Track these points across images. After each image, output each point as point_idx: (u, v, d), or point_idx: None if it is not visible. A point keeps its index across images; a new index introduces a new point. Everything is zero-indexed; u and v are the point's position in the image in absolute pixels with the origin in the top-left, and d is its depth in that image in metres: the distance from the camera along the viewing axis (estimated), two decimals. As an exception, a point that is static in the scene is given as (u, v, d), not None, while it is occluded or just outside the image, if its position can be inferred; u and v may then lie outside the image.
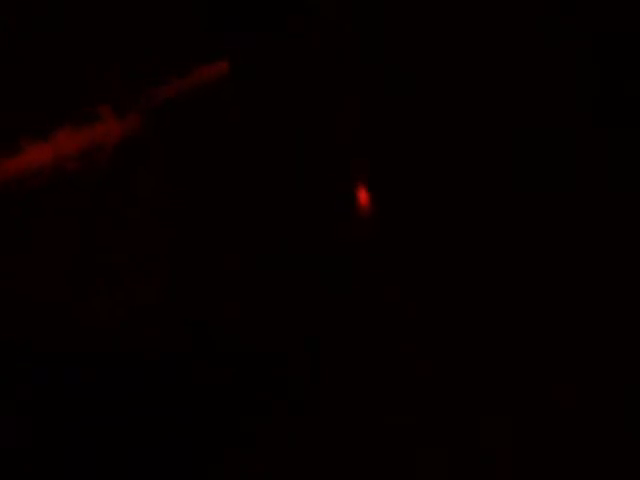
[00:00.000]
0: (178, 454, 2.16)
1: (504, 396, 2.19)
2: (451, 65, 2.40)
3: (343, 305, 2.27)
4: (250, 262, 2.30)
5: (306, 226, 2.32)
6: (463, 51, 2.41)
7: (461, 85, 2.40)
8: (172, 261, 2.29)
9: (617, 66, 2.41)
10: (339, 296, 2.28)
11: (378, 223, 2.34)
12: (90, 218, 2.30)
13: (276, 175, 2.35)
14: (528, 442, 2.16)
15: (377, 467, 2.16)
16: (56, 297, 2.25)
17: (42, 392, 2.18)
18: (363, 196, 2.35)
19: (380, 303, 2.27)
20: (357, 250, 2.31)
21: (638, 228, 2.31)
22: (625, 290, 2.27)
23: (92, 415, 2.17)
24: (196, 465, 2.16)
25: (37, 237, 2.28)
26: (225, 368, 2.22)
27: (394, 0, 2.42)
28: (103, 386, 2.18)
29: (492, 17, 2.42)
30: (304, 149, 2.36)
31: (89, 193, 2.30)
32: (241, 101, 2.39)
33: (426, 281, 2.29)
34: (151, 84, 2.31)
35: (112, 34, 2.36)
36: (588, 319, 2.24)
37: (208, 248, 2.31)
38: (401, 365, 2.22)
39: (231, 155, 2.36)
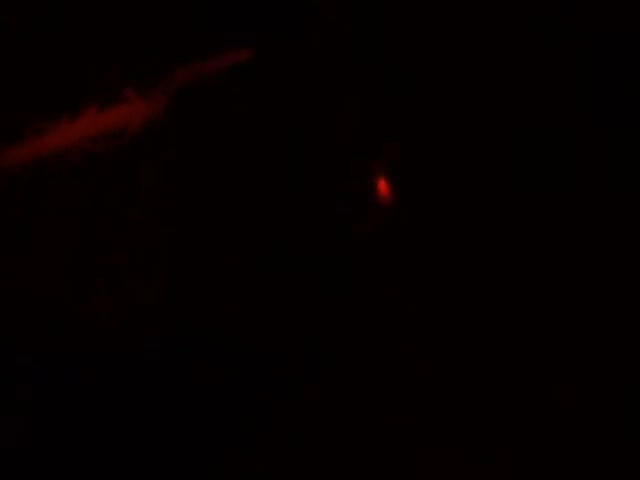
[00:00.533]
0: (178, 454, 2.16)
1: (504, 396, 2.19)
2: (451, 65, 2.40)
3: (343, 305, 2.27)
4: (250, 262, 2.30)
5: (306, 226, 2.32)
6: (463, 51, 2.41)
7: (461, 85, 2.40)
8: (172, 261, 2.29)
9: (617, 66, 2.40)
10: (339, 296, 2.28)
11: (378, 223, 2.34)
12: (90, 218, 2.30)
13: (276, 175, 2.35)
14: (528, 442, 2.16)
15: (377, 467, 2.16)
16: (56, 297, 2.24)
17: (42, 392, 2.18)
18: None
19: (380, 303, 2.27)
20: (357, 250, 2.31)
21: (638, 228, 2.31)
22: (625, 290, 2.27)
23: (92, 415, 2.17)
24: (196, 465, 2.16)
25: (37, 237, 2.28)
26: (225, 368, 2.22)
27: (394, 0, 2.42)
28: (103, 386, 2.18)
29: (492, 17, 2.42)
30: (304, 149, 2.36)
31: (89, 192, 2.30)
32: (241, 100, 2.39)
33: (426, 281, 2.29)
34: (171, 68, 2.30)
35: (112, 34, 2.36)
36: (588, 319, 2.24)
37: (208, 248, 2.31)
38: (401, 365, 2.22)
39: (231, 155, 2.36)
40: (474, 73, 2.40)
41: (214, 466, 2.16)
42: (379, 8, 2.42)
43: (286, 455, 2.16)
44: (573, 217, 2.32)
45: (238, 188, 2.34)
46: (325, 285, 2.28)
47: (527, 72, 2.40)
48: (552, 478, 2.14)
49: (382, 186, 2.35)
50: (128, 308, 2.25)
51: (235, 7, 2.40)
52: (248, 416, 2.19)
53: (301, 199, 2.33)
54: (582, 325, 2.23)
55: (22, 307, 2.22)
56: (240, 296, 2.27)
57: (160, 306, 2.25)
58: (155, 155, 2.34)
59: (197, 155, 2.35)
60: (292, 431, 2.18)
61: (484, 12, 2.42)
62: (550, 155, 2.36)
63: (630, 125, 2.38)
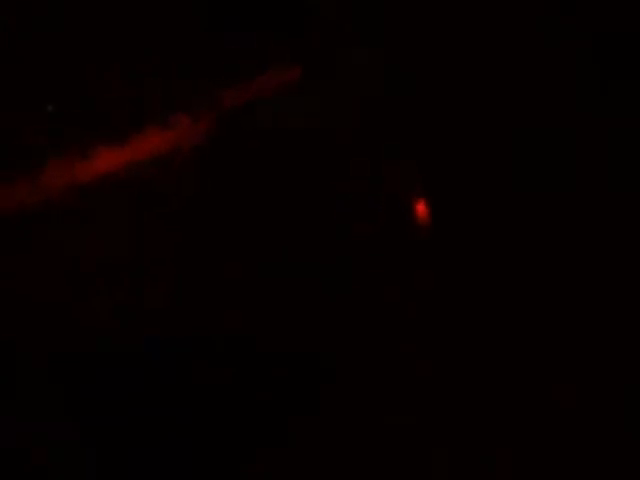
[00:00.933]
0: (178, 454, 2.16)
1: (504, 396, 2.19)
2: (451, 65, 2.40)
3: (343, 305, 2.27)
4: (250, 262, 2.30)
5: (307, 226, 2.32)
6: (463, 51, 2.41)
7: (461, 85, 2.40)
8: (176, 265, 2.29)
9: (617, 66, 2.41)
10: (339, 296, 2.28)
11: (377, 223, 2.34)
12: (91, 218, 2.29)
13: (277, 176, 2.35)
14: (528, 442, 2.16)
15: (377, 467, 2.16)
16: (56, 297, 2.24)
17: (42, 392, 2.18)
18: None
19: (380, 303, 2.27)
20: (357, 250, 2.31)
21: (638, 228, 2.31)
22: (625, 290, 2.27)
23: (92, 415, 2.17)
24: (196, 465, 2.16)
25: (37, 237, 2.28)
26: (225, 368, 2.22)
27: (394, 0, 2.42)
28: (103, 386, 2.18)
29: (492, 17, 2.42)
30: (304, 150, 2.36)
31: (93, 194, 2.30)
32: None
33: (426, 281, 2.29)
34: (219, 89, 2.30)
35: (113, 34, 2.36)
36: (588, 319, 2.24)
37: (211, 252, 2.31)
38: (401, 365, 2.22)
39: (231, 158, 2.36)
40: (474, 73, 2.40)
41: (214, 466, 2.16)
42: (379, 8, 2.42)
43: (286, 455, 2.16)
44: (573, 217, 2.32)
45: (239, 190, 2.34)
46: (325, 285, 2.28)
47: (527, 72, 2.40)
48: (552, 478, 2.14)
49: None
50: (128, 308, 2.25)
51: (235, 7, 2.41)
52: (248, 416, 2.19)
53: (301, 200, 2.33)
54: (582, 325, 2.23)
55: (22, 307, 2.22)
56: (241, 296, 2.27)
57: (162, 309, 2.26)
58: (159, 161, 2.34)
59: (196, 159, 2.35)
60: (292, 431, 2.18)
61: (484, 12, 2.42)
62: (550, 154, 2.36)
63: (630, 125, 2.38)
